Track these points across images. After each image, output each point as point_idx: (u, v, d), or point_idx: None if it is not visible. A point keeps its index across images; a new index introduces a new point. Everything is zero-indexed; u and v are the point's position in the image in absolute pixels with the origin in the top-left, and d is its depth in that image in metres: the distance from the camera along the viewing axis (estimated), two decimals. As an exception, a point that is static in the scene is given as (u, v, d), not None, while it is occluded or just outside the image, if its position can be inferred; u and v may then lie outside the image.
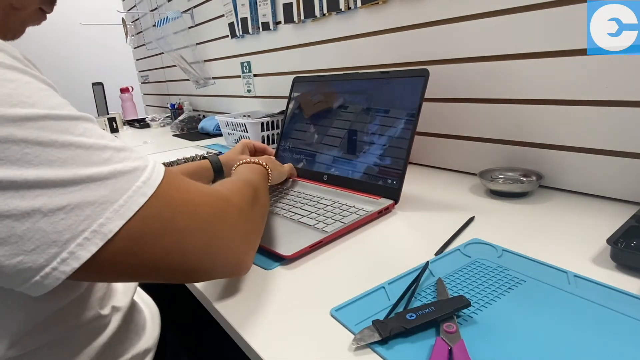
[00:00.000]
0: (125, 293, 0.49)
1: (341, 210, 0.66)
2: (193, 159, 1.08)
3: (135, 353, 0.46)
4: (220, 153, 0.91)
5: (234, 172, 0.61)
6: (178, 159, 1.09)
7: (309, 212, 0.66)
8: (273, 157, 0.78)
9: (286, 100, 0.96)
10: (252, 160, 0.64)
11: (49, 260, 0.28)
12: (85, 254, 0.29)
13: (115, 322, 0.44)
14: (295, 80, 0.95)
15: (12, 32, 0.44)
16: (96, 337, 0.42)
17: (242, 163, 0.63)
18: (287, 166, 0.82)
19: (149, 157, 0.35)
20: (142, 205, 0.31)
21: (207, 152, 1.20)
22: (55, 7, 0.48)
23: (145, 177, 0.33)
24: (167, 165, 1.02)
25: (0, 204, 0.26)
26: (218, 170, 0.87)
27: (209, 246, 0.36)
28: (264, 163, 0.64)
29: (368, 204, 0.68)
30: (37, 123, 0.28)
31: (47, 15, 0.48)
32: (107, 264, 0.30)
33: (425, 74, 0.68)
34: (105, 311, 0.43)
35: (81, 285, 0.40)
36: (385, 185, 0.71)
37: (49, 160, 0.28)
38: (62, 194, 0.28)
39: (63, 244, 0.28)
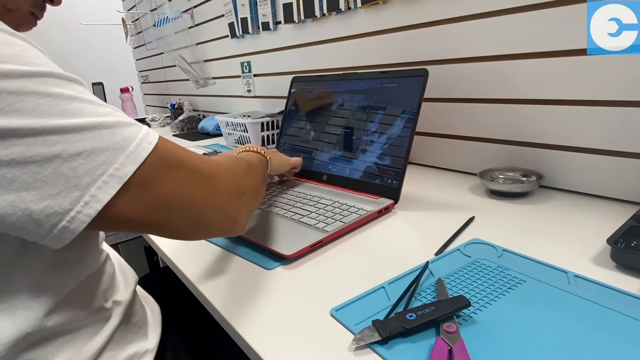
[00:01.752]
0: (126, 288, 0.49)
1: (341, 210, 0.66)
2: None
3: (136, 351, 0.46)
4: (218, 152, 0.91)
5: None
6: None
7: (309, 212, 0.66)
8: (277, 150, 0.79)
9: (285, 100, 0.96)
10: (252, 148, 0.64)
11: (73, 204, 0.30)
12: (105, 197, 0.31)
13: (116, 316, 0.45)
14: (294, 80, 0.95)
15: (22, 24, 0.46)
16: (100, 329, 0.42)
17: (242, 151, 0.64)
18: (293, 158, 0.82)
19: (139, 123, 0.38)
20: (150, 153, 0.34)
21: (206, 153, 1.20)
22: (51, 8, 0.49)
23: (145, 132, 0.35)
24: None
25: (23, 150, 0.28)
26: None
27: (210, 197, 0.39)
28: (263, 151, 0.64)
29: (368, 204, 0.68)
30: (42, 79, 0.30)
31: (39, 20, 0.49)
32: (125, 207, 0.33)
33: (424, 74, 0.68)
34: (108, 304, 0.44)
35: (95, 256, 0.44)
36: (385, 185, 0.71)
37: (61, 111, 0.30)
38: (78, 140, 0.30)
39: (84, 187, 0.30)
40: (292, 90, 0.95)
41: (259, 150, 0.64)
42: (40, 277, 0.36)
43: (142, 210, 0.34)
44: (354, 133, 0.78)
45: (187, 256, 0.58)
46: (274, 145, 1.12)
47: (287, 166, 0.80)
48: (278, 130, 1.27)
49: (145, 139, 0.34)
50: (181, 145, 0.40)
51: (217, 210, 0.41)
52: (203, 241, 0.62)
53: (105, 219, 0.32)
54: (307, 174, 0.85)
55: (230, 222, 0.43)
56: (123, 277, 0.51)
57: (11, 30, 0.32)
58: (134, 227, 0.35)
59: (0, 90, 0.28)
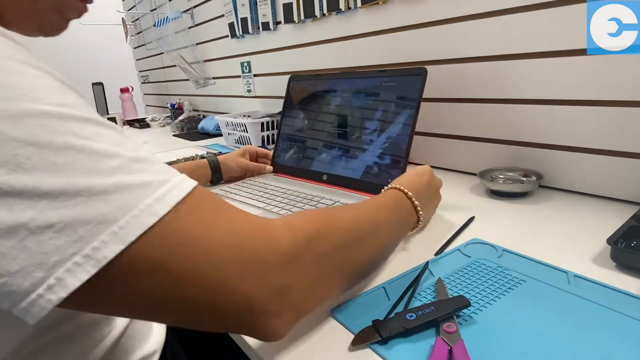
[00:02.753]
0: None
1: (342, 210, 0.66)
2: (193, 159, 1.08)
3: (144, 355, 0.45)
4: (220, 153, 0.91)
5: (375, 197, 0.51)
6: (178, 159, 1.08)
7: None
8: (436, 180, 0.62)
9: (283, 100, 0.96)
10: (406, 191, 0.50)
11: (34, 286, 0.24)
12: (73, 282, 0.24)
13: (123, 320, 0.44)
14: (291, 79, 0.95)
15: (45, 24, 0.38)
16: (106, 335, 0.41)
17: (392, 188, 0.52)
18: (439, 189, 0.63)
19: (177, 173, 0.30)
20: (148, 228, 0.26)
21: (207, 152, 1.20)
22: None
23: (160, 193, 0.27)
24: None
25: None
26: (215, 169, 0.87)
27: (225, 296, 0.28)
28: (415, 200, 0.50)
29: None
30: (35, 121, 0.24)
31: (88, 5, 0.41)
32: (100, 295, 0.26)
33: (423, 73, 0.68)
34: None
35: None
36: (385, 185, 0.70)
37: (42, 165, 0.24)
38: (53, 208, 0.24)
39: (50, 268, 0.24)
40: (290, 89, 0.95)
41: (413, 200, 0.50)
42: None
43: (124, 301, 0.27)
44: (353, 132, 0.78)
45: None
46: (274, 145, 1.12)
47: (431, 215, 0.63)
48: (277, 130, 1.27)
49: (149, 209, 0.26)
50: (225, 209, 0.31)
51: (233, 316, 0.29)
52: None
53: (74, 304, 0.25)
54: (307, 173, 0.85)
55: (255, 332, 0.31)
56: None
57: (22, 57, 0.26)
58: (117, 313, 0.31)
59: None
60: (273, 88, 1.46)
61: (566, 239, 0.55)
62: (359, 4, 0.97)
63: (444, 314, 0.38)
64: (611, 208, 0.64)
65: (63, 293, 0.24)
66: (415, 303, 0.42)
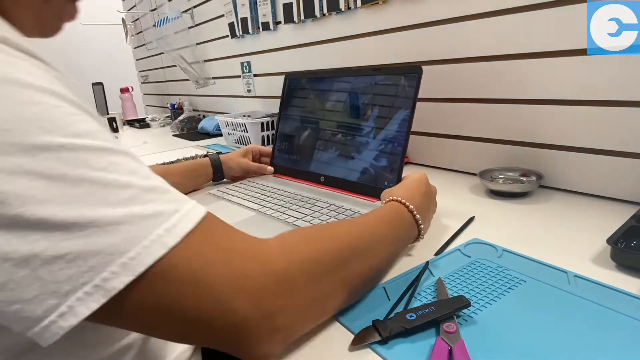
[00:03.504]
0: None
1: (337, 214, 0.66)
2: (193, 159, 1.08)
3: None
4: (220, 153, 0.91)
5: (376, 209, 0.50)
6: (178, 159, 1.09)
7: (305, 215, 0.66)
8: (432, 189, 0.60)
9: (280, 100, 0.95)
10: (407, 204, 0.50)
11: (47, 312, 0.25)
12: (84, 311, 0.25)
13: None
14: (287, 78, 0.94)
15: (48, 27, 0.39)
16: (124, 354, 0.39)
17: (391, 200, 0.51)
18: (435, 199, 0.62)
19: (188, 200, 0.31)
20: (158, 259, 0.27)
21: (208, 152, 1.20)
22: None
23: (170, 224, 0.28)
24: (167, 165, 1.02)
25: (2, 244, 0.24)
26: (217, 168, 0.87)
27: (227, 324, 0.29)
28: (417, 214, 0.49)
29: (365, 207, 0.68)
30: (51, 154, 0.25)
31: (79, 7, 0.42)
32: (108, 319, 0.27)
33: (418, 71, 0.67)
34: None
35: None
36: (382, 187, 0.70)
37: (56, 198, 0.25)
38: (65, 239, 0.25)
39: (62, 296, 0.25)
40: (286, 88, 0.94)
41: (414, 212, 0.49)
42: None
43: (134, 326, 0.30)
44: (348, 132, 0.78)
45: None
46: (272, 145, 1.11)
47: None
48: (275, 131, 1.27)
49: (159, 240, 0.27)
50: (233, 236, 0.32)
51: (230, 339, 0.31)
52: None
53: (83, 323, 0.26)
54: (305, 175, 0.85)
55: (247, 354, 0.31)
56: None
57: (39, 83, 0.26)
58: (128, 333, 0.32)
59: None
60: (273, 88, 1.46)
61: (566, 239, 0.55)
62: (359, 4, 0.97)
63: (444, 314, 0.38)
64: (611, 208, 0.64)
65: (74, 320, 0.25)
66: (415, 303, 0.42)
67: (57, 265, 0.25)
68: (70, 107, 0.27)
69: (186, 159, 1.09)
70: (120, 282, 0.26)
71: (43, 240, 0.24)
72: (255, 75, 1.53)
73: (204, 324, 0.29)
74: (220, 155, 0.89)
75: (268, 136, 1.26)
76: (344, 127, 0.79)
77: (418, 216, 0.50)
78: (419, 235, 0.51)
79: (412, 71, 0.68)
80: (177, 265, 0.28)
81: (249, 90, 1.59)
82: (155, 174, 0.31)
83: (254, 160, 0.94)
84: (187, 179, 0.84)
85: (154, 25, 2.04)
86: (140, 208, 0.27)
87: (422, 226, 0.51)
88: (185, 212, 0.29)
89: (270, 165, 0.95)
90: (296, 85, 0.92)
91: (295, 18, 1.20)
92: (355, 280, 0.40)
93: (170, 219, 0.28)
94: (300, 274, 0.34)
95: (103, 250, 0.25)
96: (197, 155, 1.14)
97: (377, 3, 0.93)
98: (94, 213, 0.25)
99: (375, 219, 0.47)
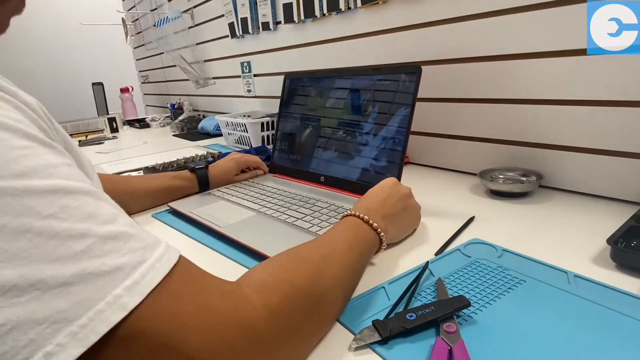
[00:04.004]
0: None
1: (337, 214, 0.66)
2: (193, 159, 1.08)
3: None
4: (220, 153, 0.91)
5: (331, 229, 0.47)
6: (178, 159, 1.08)
7: (304, 215, 0.66)
8: (401, 190, 0.57)
9: (280, 100, 0.95)
10: (363, 217, 0.48)
11: None
12: None
13: None
14: (287, 78, 0.94)
15: (2, 28, 0.36)
16: None
17: (349, 215, 0.49)
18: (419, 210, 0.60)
19: (158, 244, 0.27)
20: (115, 325, 0.22)
21: (207, 152, 1.20)
22: (52, 8, 0.44)
23: (132, 281, 0.24)
24: (167, 165, 1.02)
25: None
26: (203, 184, 0.83)
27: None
28: (378, 228, 0.47)
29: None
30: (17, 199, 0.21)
31: (47, 16, 0.42)
32: None
33: (417, 71, 0.67)
34: None
35: None
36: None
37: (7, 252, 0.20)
38: (1, 306, 0.20)
39: None
40: (285, 88, 0.94)
41: (373, 225, 0.47)
42: None
43: None
44: (348, 132, 0.78)
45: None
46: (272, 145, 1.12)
47: (406, 232, 0.59)
48: (275, 130, 1.27)
49: (117, 302, 0.23)
50: (204, 289, 0.28)
51: None
52: (189, 239, 0.62)
53: None
54: (305, 174, 0.85)
55: None
56: None
57: None
58: None
59: None
60: (273, 88, 1.46)
61: (566, 239, 0.55)
62: (358, 4, 0.97)
63: (444, 314, 0.38)
64: (611, 208, 0.64)
65: None
66: (415, 303, 0.42)
67: None
68: (14, 137, 0.23)
69: (186, 159, 1.09)
70: (67, 356, 0.21)
71: None
72: (255, 75, 1.53)
73: None
74: (210, 166, 0.85)
75: (268, 136, 1.26)
76: (343, 127, 0.79)
77: (375, 224, 0.48)
78: (381, 243, 0.49)
79: (411, 71, 0.68)
80: (144, 329, 0.23)
81: (249, 90, 1.59)
82: (121, 212, 0.27)
83: (244, 170, 0.91)
84: (168, 197, 0.78)
85: (154, 25, 2.04)
86: (97, 263, 0.23)
87: (382, 234, 0.48)
88: (153, 263, 0.25)
89: (270, 165, 0.94)
90: (296, 86, 0.92)
91: (295, 18, 1.20)
92: (330, 316, 0.39)
93: (132, 274, 0.24)
94: (282, 334, 0.31)
95: (47, 318, 0.21)
96: (197, 155, 1.14)
97: (377, 3, 0.93)
98: (38, 272, 0.21)
99: (328, 240, 0.44)
